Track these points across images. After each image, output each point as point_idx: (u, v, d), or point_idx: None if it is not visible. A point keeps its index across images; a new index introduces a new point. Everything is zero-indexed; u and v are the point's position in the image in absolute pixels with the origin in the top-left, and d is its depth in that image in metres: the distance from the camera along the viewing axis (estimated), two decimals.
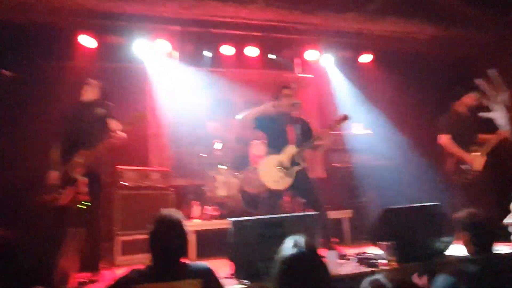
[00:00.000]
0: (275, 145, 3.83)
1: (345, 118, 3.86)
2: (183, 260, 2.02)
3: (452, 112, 4.50)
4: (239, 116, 3.91)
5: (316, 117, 6.27)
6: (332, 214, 4.83)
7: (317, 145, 3.80)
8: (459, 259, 2.10)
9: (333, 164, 5.35)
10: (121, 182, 4.28)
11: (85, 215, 3.36)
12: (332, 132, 3.92)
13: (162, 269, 1.93)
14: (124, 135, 3.46)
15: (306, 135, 3.84)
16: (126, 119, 3.49)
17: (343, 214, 4.79)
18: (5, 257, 2.29)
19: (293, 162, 3.73)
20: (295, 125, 3.90)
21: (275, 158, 3.74)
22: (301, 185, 3.73)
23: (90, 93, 3.62)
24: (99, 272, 3.35)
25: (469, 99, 4.41)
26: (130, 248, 4.07)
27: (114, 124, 3.55)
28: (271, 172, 3.71)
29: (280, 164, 3.72)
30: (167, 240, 1.95)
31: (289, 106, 3.86)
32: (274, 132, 3.89)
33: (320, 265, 1.63)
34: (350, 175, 5.24)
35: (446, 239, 3.20)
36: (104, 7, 4.91)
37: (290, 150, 3.76)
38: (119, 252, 4.04)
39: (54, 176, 3.33)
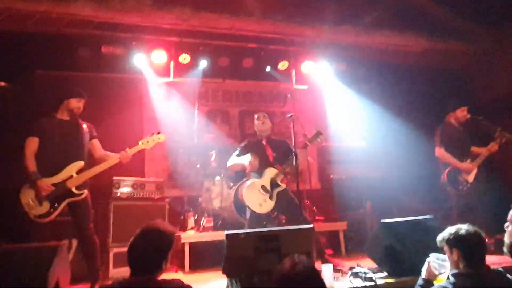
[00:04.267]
0: (257, 169, 3.93)
1: (318, 134, 3.94)
2: (161, 275, 1.96)
3: (445, 124, 4.56)
4: (229, 163, 4.13)
5: (311, 128, 6.28)
6: (327, 226, 4.84)
7: (295, 165, 3.86)
8: (454, 274, 2.07)
9: (328, 176, 5.34)
10: (115, 193, 4.25)
11: (77, 227, 3.39)
12: (305, 150, 3.96)
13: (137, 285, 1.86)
14: (129, 155, 3.53)
15: (286, 156, 3.94)
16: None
17: (338, 226, 4.78)
18: None
19: (274, 184, 3.84)
20: (275, 147, 4.06)
21: (257, 183, 3.84)
22: (284, 204, 3.86)
23: (68, 112, 3.52)
24: (98, 283, 3.32)
25: (462, 112, 4.47)
26: (123, 260, 4.02)
27: (97, 145, 3.64)
28: (254, 196, 3.80)
29: (263, 188, 3.82)
30: (141, 252, 1.91)
31: (263, 131, 4.09)
32: (256, 157, 4.00)
33: (318, 284, 1.63)
34: (346, 187, 5.24)
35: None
36: (102, 18, 4.94)
37: (270, 173, 3.88)
38: (112, 264, 3.99)
39: (46, 185, 3.23)
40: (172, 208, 4.57)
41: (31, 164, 3.27)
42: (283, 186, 3.84)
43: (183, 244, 4.14)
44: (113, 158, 3.52)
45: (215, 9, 5.25)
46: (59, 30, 4.96)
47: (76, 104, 3.49)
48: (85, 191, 3.39)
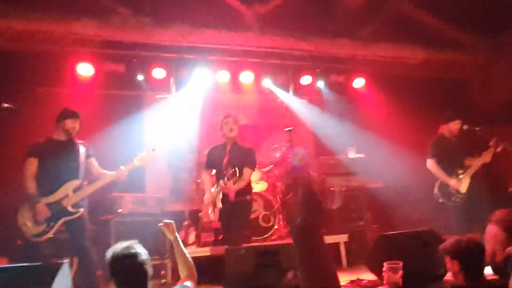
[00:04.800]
0: (219, 177, 3.93)
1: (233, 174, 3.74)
2: None
3: (438, 135, 4.58)
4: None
5: (310, 141, 6.33)
6: (328, 239, 4.82)
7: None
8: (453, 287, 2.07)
9: (329, 188, 5.35)
10: (116, 209, 4.27)
11: (74, 245, 3.43)
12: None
13: None
14: (124, 172, 3.58)
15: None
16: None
17: (339, 238, 4.77)
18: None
19: (217, 199, 3.91)
20: (234, 155, 3.96)
21: (214, 192, 3.97)
22: (226, 219, 3.88)
23: (64, 132, 3.58)
24: None
25: (455, 126, 4.47)
26: None
27: (94, 163, 3.69)
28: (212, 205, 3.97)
29: (212, 200, 3.95)
30: (125, 275, 1.94)
31: (229, 137, 3.99)
32: (220, 165, 3.98)
33: None
34: (346, 199, 5.24)
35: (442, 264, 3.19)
36: (103, 36, 5.03)
37: (214, 189, 3.95)
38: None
39: (43, 209, 3.30)
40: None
41: (31, 186, 3.34)
42: (219, 205, 3.86)
43: None
44: (108, 176, 3.58)
45: (214, 25, 5.34)
46: (61, 48, 5.05)
47: (72, 124, 3.54)
48: (81, 210, 3.43)
